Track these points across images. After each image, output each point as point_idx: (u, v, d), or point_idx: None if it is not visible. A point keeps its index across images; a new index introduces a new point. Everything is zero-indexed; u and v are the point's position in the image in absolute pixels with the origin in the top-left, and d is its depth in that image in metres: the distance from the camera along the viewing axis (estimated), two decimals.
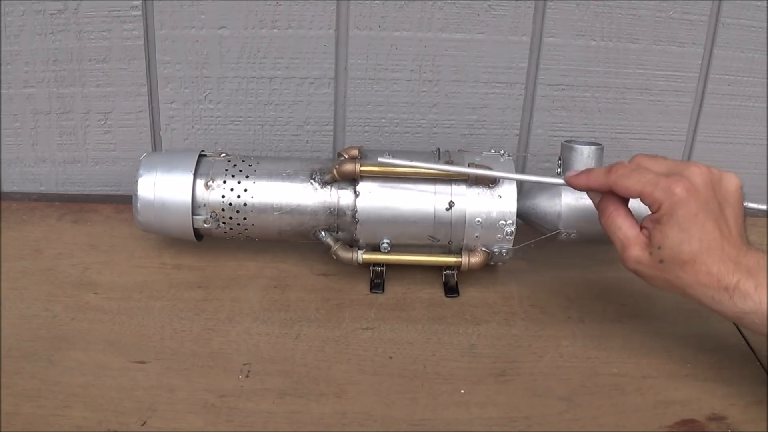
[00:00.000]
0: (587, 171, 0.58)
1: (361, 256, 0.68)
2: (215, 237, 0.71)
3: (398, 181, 0.66)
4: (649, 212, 0.54)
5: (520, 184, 0.72)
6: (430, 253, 0.69)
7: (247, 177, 0.68)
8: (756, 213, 0.59)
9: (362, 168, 0.66)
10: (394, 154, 0.68)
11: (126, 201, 0.74)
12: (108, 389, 0.54)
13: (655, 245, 0.53)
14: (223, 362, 0.58)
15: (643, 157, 0.56)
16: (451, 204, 0.66)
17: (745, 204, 0.56)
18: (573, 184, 0.59)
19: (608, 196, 0.57)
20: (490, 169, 0.66)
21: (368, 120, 0.84)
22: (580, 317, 0.66)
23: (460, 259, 0.67)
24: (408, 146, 0.85)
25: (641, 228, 0.55)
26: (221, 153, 0.71)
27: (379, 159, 0.65)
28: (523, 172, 0.88)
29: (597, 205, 0.58)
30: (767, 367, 0.60)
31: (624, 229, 0.55)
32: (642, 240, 0.54)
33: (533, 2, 0.80)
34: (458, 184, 0.66)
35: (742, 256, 0.52)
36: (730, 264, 0.51)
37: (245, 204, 0.68)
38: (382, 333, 0.62)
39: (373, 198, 0.66)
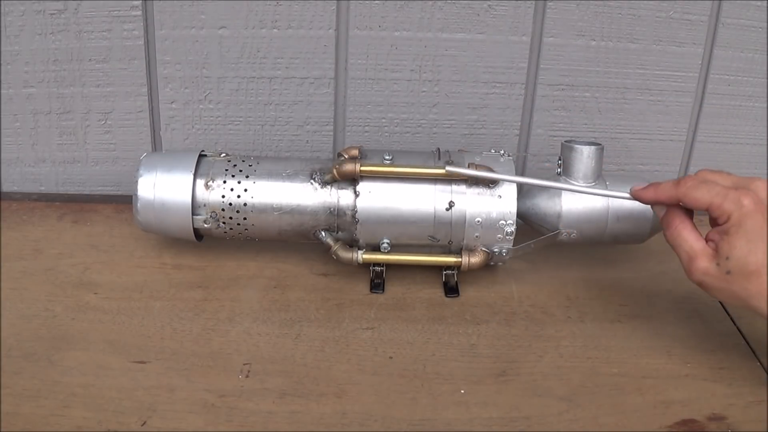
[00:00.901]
0: (655, 184, 0.59)
1: (361, 256, 0.68)
2: (215, 237, 0.70)
3: (398, 181, 0.66)
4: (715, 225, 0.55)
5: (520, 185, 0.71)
6: (430, 253, 0.69)
7: (247, 177, 0.68)
8: None
9: (362, 168, 0.66)
10: (395, 154, 0.68)
11: (126, 201, 0.74)
12: (108, 389, 0.54)
13: (722, 256, 0.54)
14: (223, 362, 0.58)
15: (707, 172, 0.57)
16: (451, 204, 0.66)
17: None
18: (641, 198, 0.60)
19: (673, 209, 0.58)
20: (491, 170, 0.66)
21: (368, 120, 0.84)
22: (580, 317, 0.66)
23: (460, 259, 0.67)
24: (408, 146, 0.85)
25: (706, 240, 0.56)
26: (221, 153, 0.71)
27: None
28: (523, 172, 0.88)
29: (662, 219, 0.59)
30: (767, 367, 0.60)
31: (690, 241, 0.56)
32: (709, 252, 0.55)
33: (533, 2, 0.80)
34: (458, 184, 0.66)
35: None
36: None
37: (245, 204, 0.68)
38: (382, 333, 0.62)
39: (373, 198, 0.66)
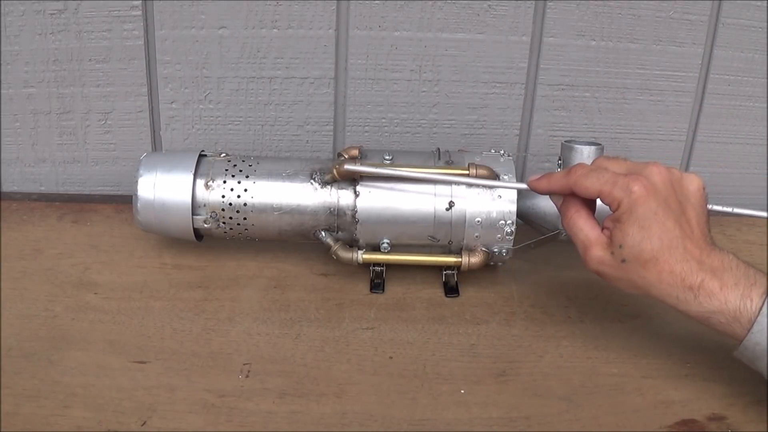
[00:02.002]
0: (548, 174, 0.59)
1: (361, 256, 0.68)
2: (215, 237, 0.70)
3: (398, 181, 0.66)
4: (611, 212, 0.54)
5: None
6: (430, 253, 0.69)
7: (247, 177, 0.68)
8: (721, 215, 0.59)
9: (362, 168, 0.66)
10: (395, 154, 0.68)
11: (126, 201, 0.74)
12: (108, 389, 0.54)
13: (616, 244, 0.53)
14: (223, 362, 0.58)
15: (603, 159, 0.57)
16: (451, 204, 0.66)
17: (709, 206, 0.56)
18: (535, 188, 0.59)
19: (569, 198, 0.57)
20: (494, 173, 0.66)
21: (368, 120, 0.84)
22: (580, 317, 0.66)
23: (460, 259, 0.67)
24: (408, 146, 0.85)
25: (602, 229, 0.55)
26: (221, 153, 0.71)
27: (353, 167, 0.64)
28: (523, 172, 0.88)
29: (559, 209, 0.59)
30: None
31: (585, 230, 0.55)
32: (603, 240, 0.54)
33: (533, 2, 0.80)
34: (458, 185, 0.66)
35: (705, 255, 0.52)
36: (694, 263, 0.51)
37: (245, 204, 0.68)
38: (382, 333, 0.62)
39: (373, 198, 0.66)
